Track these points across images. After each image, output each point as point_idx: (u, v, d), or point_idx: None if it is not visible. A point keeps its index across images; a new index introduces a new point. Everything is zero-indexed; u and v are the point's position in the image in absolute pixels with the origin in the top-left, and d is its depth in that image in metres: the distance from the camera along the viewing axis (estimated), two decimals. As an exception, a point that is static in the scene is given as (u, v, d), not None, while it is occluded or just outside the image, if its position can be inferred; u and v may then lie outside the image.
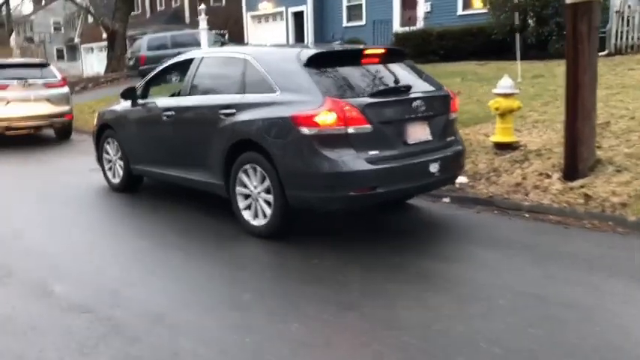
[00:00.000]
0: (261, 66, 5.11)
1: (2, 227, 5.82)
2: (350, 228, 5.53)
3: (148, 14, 38.69)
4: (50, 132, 12.41)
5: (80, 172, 8.62)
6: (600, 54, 14.28)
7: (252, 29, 26.19)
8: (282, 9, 24.32)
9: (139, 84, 6.74)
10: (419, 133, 4.92)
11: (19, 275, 4.51)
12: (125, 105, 6.87)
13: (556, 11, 13.80)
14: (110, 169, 7.31)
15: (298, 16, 23.69)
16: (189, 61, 6.05)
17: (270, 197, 4.98)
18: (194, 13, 35.49)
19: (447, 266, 4.45)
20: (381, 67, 5.11)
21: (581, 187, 5.73)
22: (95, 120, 7.53)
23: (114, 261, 4.79)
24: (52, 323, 3.66)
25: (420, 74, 5.31)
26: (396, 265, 4.45)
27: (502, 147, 7.02)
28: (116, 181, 7.21)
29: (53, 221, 6.06)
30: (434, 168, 4.94)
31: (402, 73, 5.18)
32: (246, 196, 5.24)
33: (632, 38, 14.45)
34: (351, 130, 4.54)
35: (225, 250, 5.00)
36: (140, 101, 6.61)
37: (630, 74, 10.02)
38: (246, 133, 5.06)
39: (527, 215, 5.65)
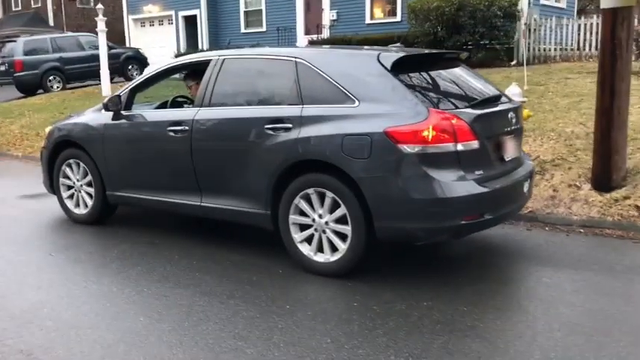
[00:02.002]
0: (325, 71, 4.24)
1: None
2: (396, 258, 4.79)
3: (0, 14, 34.55)
4: None
5: (4, 200, 7.01)
6: (512, 63, 15.10)
7: (135, 34, 24.21)
8: (171, 12, 22.72)
9: (121, 92, 5.49)
10: (512, 148, 4.38)
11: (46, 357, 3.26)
12: (99, 117, 5.57)
13: (475, 22, 14.11)
14: (71, 196, 5.93)
15: (190, 21, 22.27)
16: (204, 64, 4.97)
17: (344, 228, 4.15)
18: (59, 15, 32.35)
19: (576, 297, 3.93)
20: (457, 72, 4.50)
21: (626, 198, 5.57)
22: (46, 138, 6.09)
23: (165, 322, 3.67)
24: None
25: (487, 81, 4.79)
26: (509, 303, 3.87)
27: (512, 158, 6.74)
28: (80, 211, 5.86)
29: (25, 271, 4.63)
30: (526, 187, 4.44)
31: (477, 79, 4.61)
32: (304, 227, 4.37)
33: (538, 50, 15.31)
34: (460, 146, 3.88)
35: (299, 298, 4.05)
36: (125, 113, 5.39)
37: (573, 83, 10.35)
38: (315, 152, 4.18)
39: (582, 231, 5.37)
